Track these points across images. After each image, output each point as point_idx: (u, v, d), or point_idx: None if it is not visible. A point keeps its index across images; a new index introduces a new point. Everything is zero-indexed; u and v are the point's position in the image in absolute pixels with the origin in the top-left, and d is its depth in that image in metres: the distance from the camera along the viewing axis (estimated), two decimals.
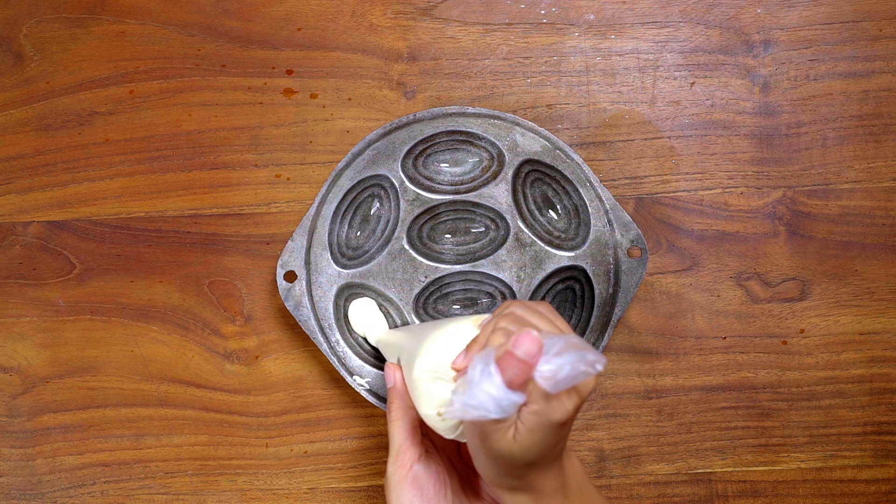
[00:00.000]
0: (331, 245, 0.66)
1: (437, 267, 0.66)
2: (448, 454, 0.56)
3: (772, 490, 0.68)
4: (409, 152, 0.67)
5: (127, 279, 0.69)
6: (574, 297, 0.67)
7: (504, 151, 0.66)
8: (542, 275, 0.66)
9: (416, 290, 0.66)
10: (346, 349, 0.66)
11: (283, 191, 0.69)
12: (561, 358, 0.42)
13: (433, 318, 0.67)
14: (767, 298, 0.68)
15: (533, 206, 0.68)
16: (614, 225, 0.66)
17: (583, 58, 0.69)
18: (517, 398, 0.43)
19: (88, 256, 0.69)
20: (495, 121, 0.67)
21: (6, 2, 0.70)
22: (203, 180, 0.69)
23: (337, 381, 0.69)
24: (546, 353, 0.43)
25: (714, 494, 0.68)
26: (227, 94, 0.70)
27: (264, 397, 0.69)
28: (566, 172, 0.66)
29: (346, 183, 0.67)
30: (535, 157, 0.66)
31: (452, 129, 0.67)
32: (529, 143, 0.66)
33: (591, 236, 0.66)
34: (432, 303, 0.67)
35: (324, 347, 0.65)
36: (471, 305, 0.68)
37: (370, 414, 0.68)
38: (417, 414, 0.54)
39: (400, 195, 0.66)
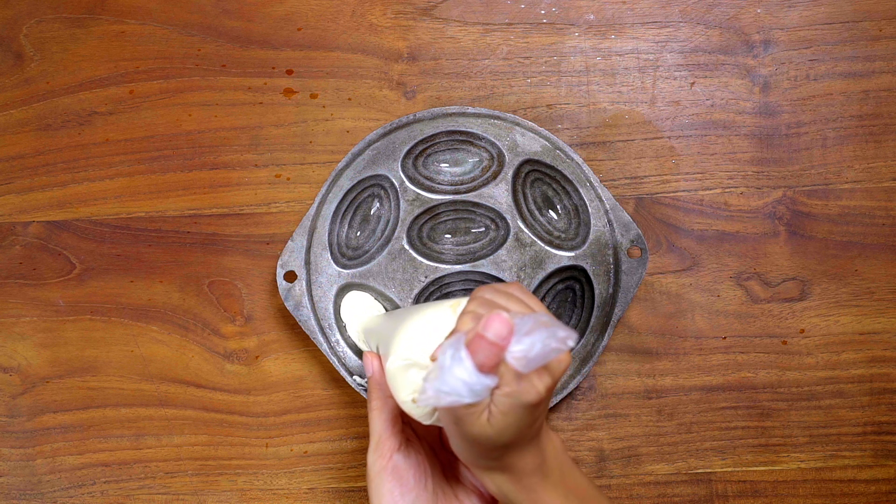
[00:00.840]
0: (331, 245, 0.66)
1: (437, 267, 0.66)
2: (430, 442, 0.56)
3: (772, 490, 0.68)
4: (409, 152, 0.67)
5: (127, 279, 0.69)
6: (574, 297, 0.67)
7: (504, 151, 0.66)
8: (542, 275, 0.66)
9: (416, 290, 0.66)
10: (346, 349, 0.66)
11: (283, 191, 0.69)
12: (531, 337, 0.42)
13: None
14: (767, 298, 0.68)
15: (533, 206, 0.68)
16: (614, 225, 0.66)
17: (583, 58, 0.69)
18: (489, 381, 0.43)
19: (88, 256, 0.69)
20: (495, 121, 0.67)
21: (6, 2, 0.70)
22: (203, 180, 0.69)
23: (337, 381, 0.69)
24: (517, 334, 0.42)
25: (714, 494, 0.68)
26: (227, 94, 0.70)
27: (264, 397, 0.69)
28: (566, 172, 0.66)
29: (346, 183, 0.67)
30: (535, 157, 0.66)
31: (452, 129, 0.67)
32: (529, 143, 0.66)
33: (591, 236, 0.66)
34: None
35: (324, 347, 0.65)
36: None
37: None
38: (393, 403, 0.53)
39: (400, 195, 0.66)
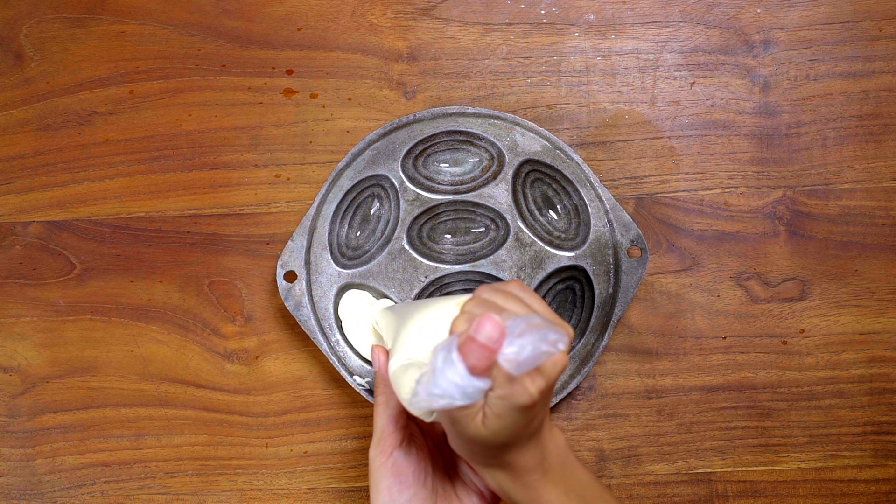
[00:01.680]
0: (331, 245, 0.66)
1: (437, 267, 0.66)
2: (434, 438, 0.56)
3: (772, 490, 0.68)
4: (409, 152, 0.67)
5: (127, 279, 0.69)
6: (574, 297, 0.67)
7: (504, 151, 0.66)
8: (542, 275, 0.66)
9: (416, 290, 0.66)
10: (346, 349, 0.66)
11: (283, 191, 0.69)
12: (522, 339, 0.42)
13: None
14: (767, 298, 0.68)
15: (533, 206, 0.68)
16: (614, 225, 0.66)
17: (583, 58, 0.69)
18: (482, 384, 0.43)
19: (88, 256, 0.69)
20: (495, 121, 0.67)
21: (6, 2, 0.70)
22: (203, 180, 0.69)
23: (337, 381, 0.69)
24: (509, 336, 0.42)
25: (714, 494, 0.68)
26: (227, 94, 0.70)
27: (264, 397, 0.69)
28: (566, 172, 0.66)
29: (346, 183, 0.67)
30: (535, 157, 0.66)
31: (452, 129, 0.67)
32: (529, 143, 0.66)
33: (591, 236, 0.66)
34: None
35: (324, 347, 0.65)
36: None
37: (370, 414, 0.68)
38: (396, 399, 0.53)
39: (400, 195, 0.66)
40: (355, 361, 0.66)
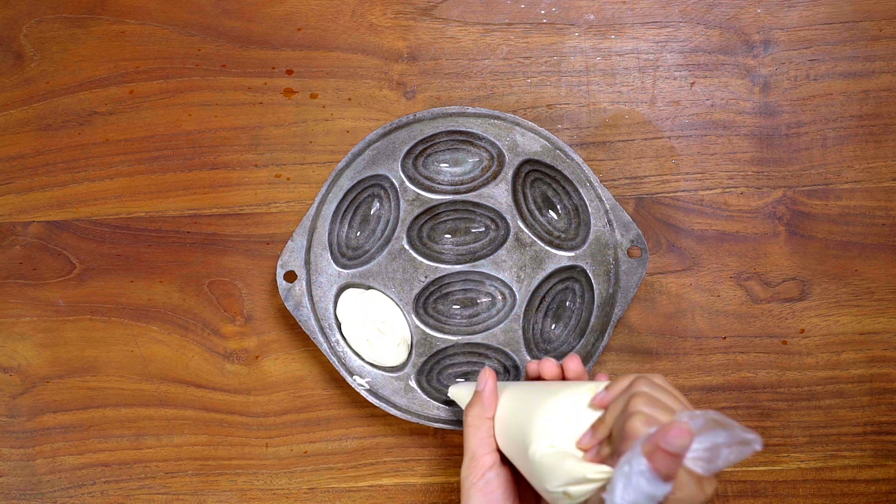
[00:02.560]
0: (331, 245, 0.66)
1: (437, 267, 0.66)
2: (510, 467, 0.56)
3: (772, 490, 0.68)
4: (409, 152, 0.67)
5: (127, 279, 0.69)
6: (574, 297, 0.67)
7: (504, 151, 0.66)
8: (542, 275, 0.66)
9: (416, 290, 0.66)
10: (346, 349, 0.66)
11: (283, 191, 0.69)
12: (710, 437, 0.42)
13: (433, 318, 0.67)
14: (767, 298, 0.68)
15: (533, 206, 0.68)
16: (614, 225, 0.66)
17: (583, 58, 0.69)
18: (668, 488, 0.43)
19: (88, 256, 0.69)
20: (495, 121, 0.67)
21: (6, 2, 0.70)
22: (203, 180, 0.69)
23: (337, 381, 0.69)
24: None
25: (714, 494, 0.68)
26: (227, 94, 0.70)
27: (264, 397, 0.69)
28: (566, 172, 0.66)
29: (346, 183, 0.67)
30: (535, 157, 0.66)
31: (452, 129, 0.67)
32: (529, 143, 0.66)
33: (591, 236, 0.66)
34: (432, 303, 0.67)
35: (324, 347, 0.65)
36: (471, 305, 0.68)
37: (370, 414, 0.69)
38: (493, 423, 0.55)
39: (400, 195, 0.66)
40: (355, 361, 0.66)
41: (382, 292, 0.66)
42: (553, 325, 0.68)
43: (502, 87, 0.69)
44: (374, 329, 0.66)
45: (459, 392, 0.62)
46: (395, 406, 0.66)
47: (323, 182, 0.68)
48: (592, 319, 0.66)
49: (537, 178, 0.67)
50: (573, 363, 0.57)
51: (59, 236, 0.69)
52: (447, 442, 0.69)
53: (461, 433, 0.68)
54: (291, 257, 0.66)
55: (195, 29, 0.70)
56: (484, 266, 0.66)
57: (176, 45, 0.70)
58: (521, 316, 0.66)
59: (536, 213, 0.68)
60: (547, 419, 0.50)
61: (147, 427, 0.69)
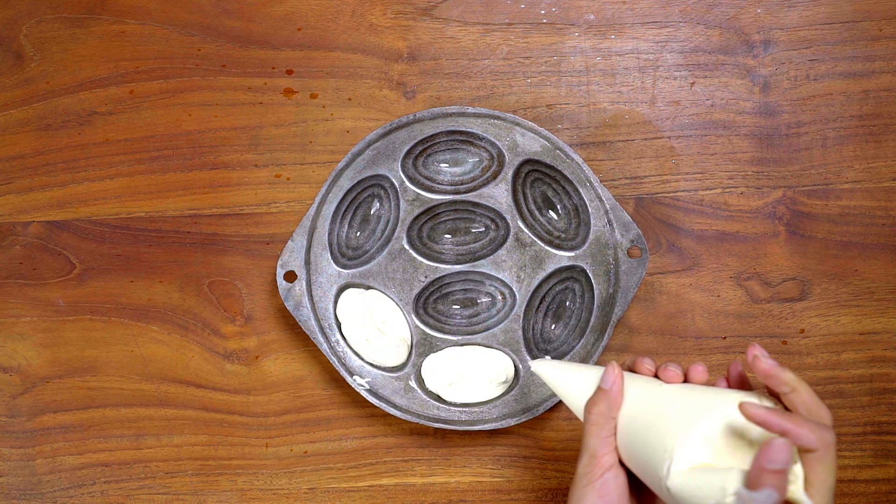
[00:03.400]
0: (331, 245, 0.66)
1: (437, 267, 0.66)
2: (626, 470, 0.55)
3: None
4: (409, 152, 0.67)
5: (127, 279, 0.69)
6: (574, 297, 0.67)
7: (504, 151, 0.66)
8: (542, 275, 0.66)
9: (416, 290, 0.66)
10: (346, 349, 0.66)
11: (283, 191, 0.69)
12: None
13: (433, 318, 0.67)
14: (767, 298, 0.68)
15: (533, 206, 0.68)
16: (614, 225, 0.66)
17: (583, 58, 0.69)
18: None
19: (88, 256, 0.69)
20: (495, 121, 0.67)
21: (6, 2, 0.70)
22: (203, 180, 0.69)
23: (337, 381, 0.69)
24: None
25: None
26: (227, 94, 0.70)
27: (264, 397, 0.69)
28: (566, 172, 0.66)
29: (346, 183, 0.67)
30: (535, 157, 0.66)
31: (452, 129, 0.67)
32: (529, 143, 0.66)
33: (591, 236, 0.66)
34: (432, 303, 0.67)
35: (324, 347, 0.65)
36: (471, 305, 0.68)
37: (370, 414, 0.69)
38: (615, 423, 0.53)
39: (400, 195, 0.66)
40: (355, 361, 0.66)
41: (382, 292, 0.66)
42: (553, 325, 0.68)
43: (502, 87, 0.69)
44: (373, 329, 0.66)
45: (548, 373, 0.58)
46: (395, 406, 0.66)
47: (323, 182, 0.68)
48: (592, 319, 0.66)
49: (537, 178, 0.67)
50: (697, 372, 0.55)
51: (59, 236, 0.69)
52: (447, 442, 0.69)
53: (461, 433, 0.68)
54: (291, 257, 0.66)
55: (195, 29, 0.70)
56: (484, 266, 0.66)
57: (176, 45, 0.70)
58: (521, 316, 0.66)
59: (536, 213, 0.68)
60: (694, 437, 0.48)
61: (147, 427, 0.69)
